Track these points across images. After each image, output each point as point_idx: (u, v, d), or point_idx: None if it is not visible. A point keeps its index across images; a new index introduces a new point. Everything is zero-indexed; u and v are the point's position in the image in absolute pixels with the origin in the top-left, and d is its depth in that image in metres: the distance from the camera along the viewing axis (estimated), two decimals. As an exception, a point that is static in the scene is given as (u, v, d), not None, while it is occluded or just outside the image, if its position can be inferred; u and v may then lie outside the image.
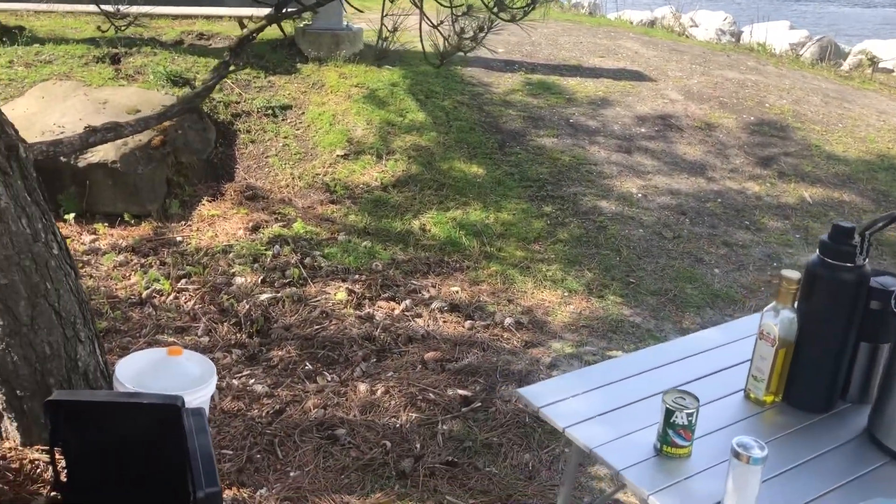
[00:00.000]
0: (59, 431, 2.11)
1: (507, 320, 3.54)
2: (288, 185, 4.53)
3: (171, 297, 3.49)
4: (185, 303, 3.45)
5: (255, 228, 4.08)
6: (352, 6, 2.78)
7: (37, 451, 2.46)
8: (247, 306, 3.43)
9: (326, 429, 2.80)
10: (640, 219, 4.48)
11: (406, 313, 3.55)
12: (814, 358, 1.72)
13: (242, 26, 2.85)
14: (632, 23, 9.32)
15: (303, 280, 3.71)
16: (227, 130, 4.80)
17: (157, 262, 3.74)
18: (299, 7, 3.17)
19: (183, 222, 4.15)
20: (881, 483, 1.56)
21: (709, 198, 4.78)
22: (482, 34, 3.15)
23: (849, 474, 1.58)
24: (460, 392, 3.05)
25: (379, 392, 3.01)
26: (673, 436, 1.54)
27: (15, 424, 2.45)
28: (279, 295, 3.55)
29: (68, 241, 3.55)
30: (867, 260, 1.67)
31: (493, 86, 5.73)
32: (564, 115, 5.44)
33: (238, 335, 3.29)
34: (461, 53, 2.98)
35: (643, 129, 5.42)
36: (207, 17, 6.24)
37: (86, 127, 2.53)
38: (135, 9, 3.25)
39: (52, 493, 2.31)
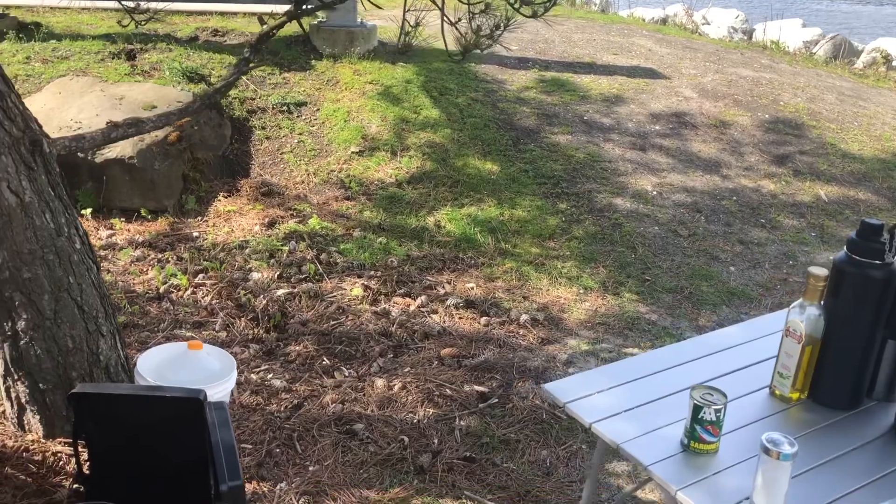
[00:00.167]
0: (83, 424, 2.13)
1: (523, 317, 3.54)
2: (303, 182, 4.54)
3: (188, 292, 3.50)
4: (203, 298, 3.47)
5: (271, 224, 4.10)
6: (371, 2, 2.78)
7: (59, 443, 2.47)
8: (264, 301, 3.44)
9: (344, 424, 2.81)
10: (655, 216, 4.47)
11: (422, 309, 3.56)
12: (840, 355, 1.71)
13: (262, 22, 2.86)
14: (644, 20, 9.30)
15: (319, 276, 3.72)
16: (242, 127, 4.82)
17: (174, 257, 3.76)
18: (319, 3, 3.18)
19: (199, 218, 4.17)
20: (909, 481, 1.56)
21: (724, 195, 4.77)
22: (499, 31, 3.14)
23: (876, 472, 1.57)
24: (477, 388, 3.05)
25: (396, 387, 3.02)
26: (700, 431, 1.54)
27: (38, 417, 2.47)
28: (296, 290, 3.56)
29: (86, 235, 3.56)
30: None
31: (507, 83, 5.72)
32: (578, 112, 5.44)
33: (255, 330, 3.30)
34: (478, 51, 2.98)
35: (658, 127, 5.41)
36: (222, 14, 6.26)
37: (108, 122, 2.54)
38: (153, 4, 3.26)
39: (75, 486, 2.33)
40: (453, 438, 2.79)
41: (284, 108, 5.01)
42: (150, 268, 3.66)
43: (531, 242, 4.15)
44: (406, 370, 3.13)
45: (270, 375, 3.02)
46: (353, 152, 4.74)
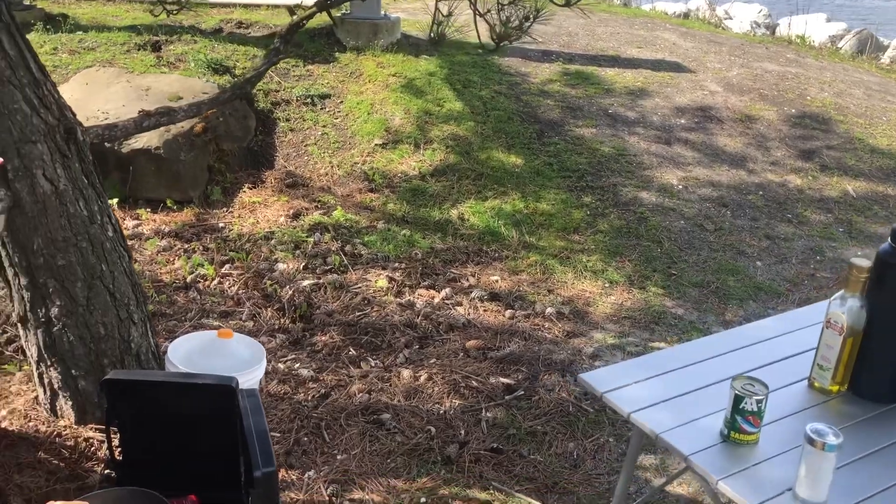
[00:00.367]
0: (115, 410, 2.15)
1: (548, 310, 3.53)
2: (327, 174, 4.55)
3: (215, 281, 3.52)
4: (230, 288, 3.48)
5: (296, 216, 4.10)
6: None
7: (90, 429, 2.49)
8: (290, 292, 3.45)
9: (371, 413, 2.81)
10: (680, 210, 4.44)
11: (446, 301, 3.56)
12: (883, 347, 1.69)
13: (292, 13, 2.86)
14: (666, 14, 9.23)
15: (344, 267, 3.72)
16: (266, 118, 4.83)
17: (201, 247, 3.78)
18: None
19: (224, 209, 4.18)
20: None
21: (750, 190, 4.72)
22: (528, 22, 3.13)
23: (919, 465, 1.55)
24: (503, 380, 3.04)
25: (422, 378, 3.02)
26: (741, 422, 1.52)
27: (70, 403, 2.49)
28: (321, 281, 3.57)
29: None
30: (940, 248, 1.64)
31: (531, 76, 5.70)
32: (603, 105, 5.40)
33: (282, 320, 3.31)
34: (506, 43, 2.97)
35: (683, 121, 5.37)
36: (246, 6, 6.28)
37: (140, 111, 2.55)
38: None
39: (107, 471, 2.35)
40: (480, 430, 2.79)
41: (308, 100, 5.02)
42: (176, 258, 3.69)
43: (556, 236, 4.14)
44: (432, 361, 3.13)
45: (297, 365, 3.03)
46: (376, 145, 4.74)
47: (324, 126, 4.88)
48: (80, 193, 2.33)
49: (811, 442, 1.38)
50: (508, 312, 3.51)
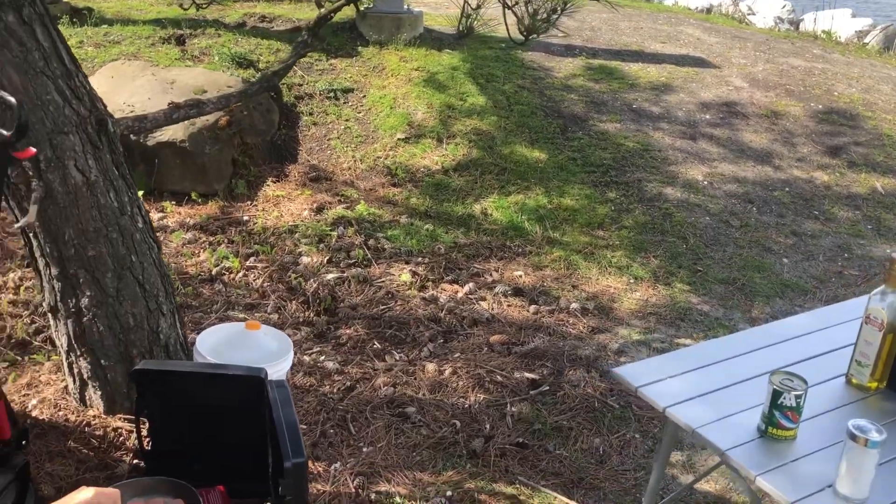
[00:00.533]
0: (144, 401, 2.16)
1: (573, 305, 3.51)
2: (350, 168, 4.55)
3: (240, 274, 3.53)
4: (255, 280, 3.49)
5: (320, 209, 4.11)
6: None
7: (119, 419, 2.51)
8: (314, 285, 3.45)
9: (397, 406, 2.81)
10: (706, 206, 4.40)
11: (470, 296, 3.55)
12: (923, 344, 1.66)
13: (320, 5, 2.86)
14: (689, 9, 9.15)
15: (367, 261, 3.72)
16: (290, 112, 4.84)
17: (225, 240, 3.79)
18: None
19: (248, 202, 4.20)
20: None
21: (776, 186, 4.67)
22: (556, 15, 3.10)
23: (961, 464, 1.52)
24: (528, 375, 3.03)
25: (447, 372, 3.01)
26: (779, 417, 1.50)
27: (99, 393, 2.50)
28: (345, 275, 3.57)
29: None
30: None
31: (554, 70, 5.67)
32: (627, 100, 5.37)
33: (306, 313, 3.31)
34: (534, 37, 2.95)
35: (707, 116, 5.32)
36: (269, 0, 6.29)
37: (169, 103, 2.56)
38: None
39: (136, 461, 2.36)
40: (505, 424, 2.78)
41: (331, 94, 5.02)
42: (201, 250, 3.70)
43: (580, 231, 4.11)
44: (456, 355, 3.13)
45: (323, 357, 3.03)
46: (399, 139, 4.74)
47: (347, 120, 4.88)
48: (110, 184, 2.34)
49: (854, 438, 1.36)
50: (532, 308, 3.50)
